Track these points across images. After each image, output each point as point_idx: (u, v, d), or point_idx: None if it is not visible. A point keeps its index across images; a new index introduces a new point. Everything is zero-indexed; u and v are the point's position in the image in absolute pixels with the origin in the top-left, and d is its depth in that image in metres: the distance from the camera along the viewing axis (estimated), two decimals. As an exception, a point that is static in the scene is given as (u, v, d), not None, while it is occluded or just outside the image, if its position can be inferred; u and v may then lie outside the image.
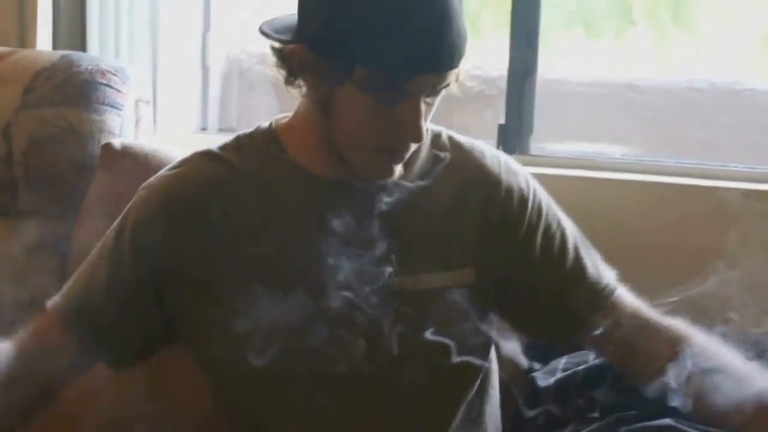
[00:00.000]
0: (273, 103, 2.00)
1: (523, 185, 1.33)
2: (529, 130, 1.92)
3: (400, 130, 1.19)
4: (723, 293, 1.72)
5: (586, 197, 1.74)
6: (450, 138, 1.34)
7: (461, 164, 1.31)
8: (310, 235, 1.24)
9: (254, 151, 1.30)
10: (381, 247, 1.22)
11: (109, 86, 1.79)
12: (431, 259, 1.27)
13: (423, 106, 1.18)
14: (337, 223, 1.21)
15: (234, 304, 1.24)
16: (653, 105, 1.99)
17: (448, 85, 1.20)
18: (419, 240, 1.27)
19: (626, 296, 1.37)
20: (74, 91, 1.77)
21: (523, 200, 1.32)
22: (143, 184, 1.36)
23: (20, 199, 1.78)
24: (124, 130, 1.81)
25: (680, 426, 1.46)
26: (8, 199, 1.78)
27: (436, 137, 1.33)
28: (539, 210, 1.34)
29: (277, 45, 1.22)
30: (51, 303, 1.34)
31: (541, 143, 1.93)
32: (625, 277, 1.72)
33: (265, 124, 1.33)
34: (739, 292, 1.70)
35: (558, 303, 1.32)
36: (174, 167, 1.34)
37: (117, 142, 1.74)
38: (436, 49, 1.15)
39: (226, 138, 1.35)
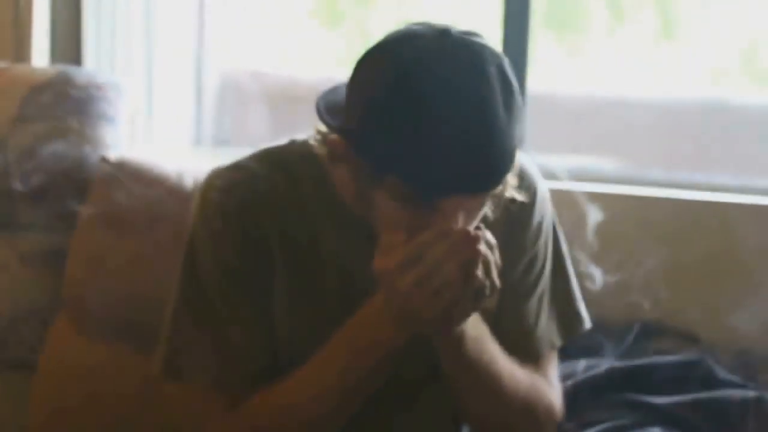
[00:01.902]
0: (266, 118, 2.01)
1: (536, 208, 1.31)
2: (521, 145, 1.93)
3: None
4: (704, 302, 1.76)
5: (573, 209, 1.76)
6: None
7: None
8: (357, 278, 1.21)
9: (291, 171, 1.25)
10: None
11: (105, 100, 1.80)
12: None
13: (461, 219, 1.11)
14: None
15: (288, 315, 1.25)
16: (642, 119, 2.01)
17: (486, 201, 1.13)
18: None
19: (550, 367, 1.34)
20: (70, 105, 1.78)
21: (527, 223, 1.31)
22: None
23: (17, 212, 1.78)
24: (120, 143, 1.81)
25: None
26: (5, 211, 1.78)
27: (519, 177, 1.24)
28: (536, 239, 1.32)
29: (322, 127, 1.17)
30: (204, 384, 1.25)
31: (533, 156, 1.94)
32: (614, 288, 1.74)
33: (300, 137, 1.27)
34: (720, 301, 1.73)
35: (495, 329, 1.27)
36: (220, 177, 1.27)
37: (112, 155, 1.75)
38: (470, 172, 1.07)
39: (253, 150, 1.29)
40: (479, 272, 1.08)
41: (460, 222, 1.11)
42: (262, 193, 1.24)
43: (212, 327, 1.25)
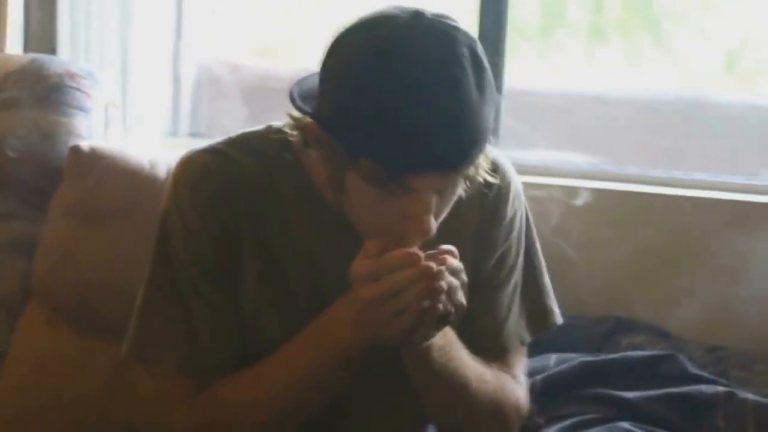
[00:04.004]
0: (242, 109, 2.01)
1: (509, 203, 1.30)
2: (496, 139, 1.93)
3: (406, 224, 1.11)
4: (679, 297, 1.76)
5: (549, 203, 1.76)
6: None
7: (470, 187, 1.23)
8: (331, 269, 1.20)
9: (267, 159, 1.24)
10: None
11: (78, 90, 1.78)
12: None
13: (433, 200, 1.10)
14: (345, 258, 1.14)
15: (256, 305, 1.23)
16: (620, 116, 2.01)
17: (459, 182, 1.12)
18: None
19: (517, 363, 1.33)
20: (43, 93, 1.76)
21: (500, 217, 1.30)
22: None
23: (-12, 200, 1.76)
24: (93, 133, 1.79)
25: (636, 429, 1.48)
26: (-23, 200, 1.76)
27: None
28: (508, 234, 1.31)
29: (295, 113, 1.15)
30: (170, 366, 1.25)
31: (509, 151, 1.94)
32: (592, 281, 1.75)
33: (277, 124, 1.25)
34: (693, 295, 1.73)
35: (464, 322, 1.26)
36: (187, 163, 1.26)
37: (85, 144, 1.71)
38: (442, 150, 1.07)
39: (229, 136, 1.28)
40: (442, 300, 1.08)
41: (433, 205, 1.10)
42: (235, 180, 1.23)
43: (181, 312, 1.23)
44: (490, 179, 1.21)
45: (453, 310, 1.10)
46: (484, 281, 1.28)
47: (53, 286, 1.69)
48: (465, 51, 1.07)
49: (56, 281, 1.69)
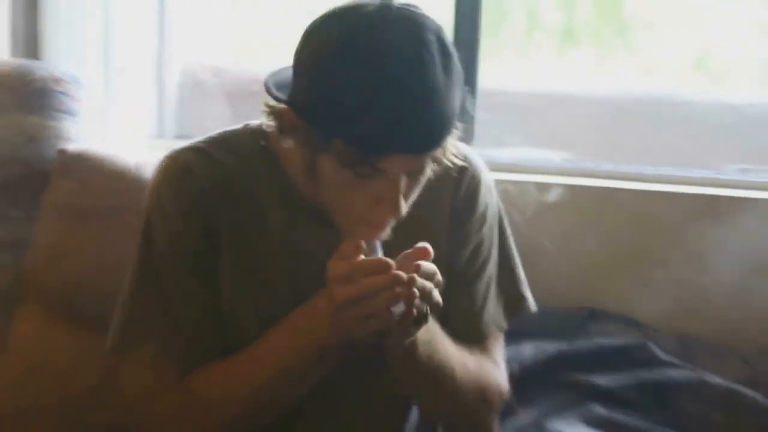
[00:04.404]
0: (226, 111, 2.02)
1: (480, 197, 1.34)
2: (471, 137, 1.95)
3: (377, 205, 1.14)
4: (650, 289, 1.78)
5: (524, 199, 1.79)
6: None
7: (440, 176, 1.26)
8: (305, 261, 1.23)
9: (244, 155, 1.27)
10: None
11: (64, 93, 1.79)
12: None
13: (403, 181, 1.13)
14: (330, 250, 1.16)
15: (233, 295, 1.26)
16: (592, 114, 2.03)
17: (428, 163, 1.14)
18: (401, 247, 1.21)
19: (496, 348, 1.37)
20: (30, 98, 1.77)
21: (472, 209, 1.33)
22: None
23: (-23, 203, 1.76)
24: (79, 136, 1.80)
25: (608, 414, 1.50)
26: (-35, 204, 1.77)
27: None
28: (481, 226, 1.35)
29: (271, 101, 1.18)
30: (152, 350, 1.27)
31: (484, 149, 1.97)
32: (566, 273, 1.76)
33: (254, 123, 1.28)
34: (663, 285, 1.75)
35: (444, 313, 1.27)
36: (170, 162, 1.28)
37: (72, 147, 1.74)
38: (410, 131, 1.09)
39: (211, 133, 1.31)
40: (416, 305, 1.10)
41: (402, 186, 1.13)
42: (214, 175, 1.26)
43: (163, 304, 1.26)
44: (459, 163, 1.24)
45: (428, 310, 1.13)
46: (460, 272, 1.32)
47: (45, 285, 1.71)
48: (432, 37, 1.11)
49: (47, 280, 1.71)
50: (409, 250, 1.13)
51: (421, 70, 1.09)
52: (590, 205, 1.82)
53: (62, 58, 2.02)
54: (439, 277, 1.14)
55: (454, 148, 1.18)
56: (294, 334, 1.20)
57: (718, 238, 1.74)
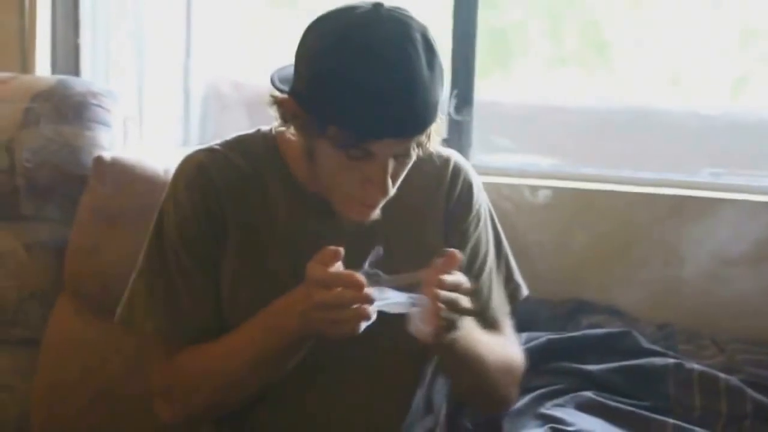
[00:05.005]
0: (245, 121, 2.03)
1: (474, 198, 1.36)
2: (469, 145, 1.96)
3: (368, 185, 1.17)
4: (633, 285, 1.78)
5: (516, 200, 1.79)
6: (438, 155, 1.34)
7: (433, 177, 1.33)
8: (307, 245, 1.23)
9: (255, 156, 1.30)
10: (368, 252, 1.21)
11: (100, 106, 1.80)
12: (409, 258, 1.27)
13: (391, 164, 1.16)
14: (329, 237, 1.19)
15: (233, 283, 1.26)
16: (577, 124, 2.03)
17: (413, 148, 1.17)
18: (399, 244, 1.27)
19: (507, 327, 1.40)
20: (69, 110, 1.78)
21: (468, 210, 1.35)
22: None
23: (22, 206, 1.78)
24: (114, 144, 1.82)
25: (599, 398, 1.50)
26: (12, 206, 1.78)
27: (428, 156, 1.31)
28: (477, 223, 1.36)
29: (276, 93, 1.21)
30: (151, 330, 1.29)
31: (480, 155, 1.97)
32: (555, 268, 1.76)
33: (265, 128, 1.32)
34: (643, 278, 1.75)
35: None
36: (187, 163, 1.31)
37: (107, 155, 1.75)
38: (398, 118, 1.12)
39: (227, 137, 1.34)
40: (443, 315, 1.12)
41: (390, 168, 1.16)
42: (226, 173, 1.28)
43: (165, 286, 1.28)
44: (442, 151, 1.28)
45: (459, 317, 1.15)
46: (466, 268, 1.31)
47: (81, 280, 1.73)
48: (417, 35, 1.14)
49: (83, 275, 1.72)
50: (440, 259, 1.15)
51: (407, 64, 1.12)
52: (576, 205, 1.83)
53: (99, 74, 2.04)
54: (466, 285, 1.16)
55: (438, 138, 1.21)
56: (269, 321, 1.21)
57: (692, 235, 1.74)
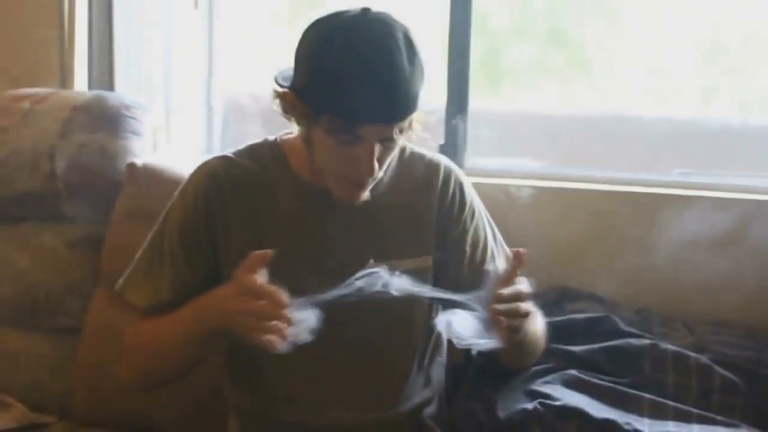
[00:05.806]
0: (261, 130, 2.02)
1: (466, 195, 1.38)
2: (464, 149, 1.95)
3: (357, 166, 1.21)
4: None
5: (506, 199, 1.78)
6: (421, 155, 1.38)
7: (425, 178, 1.35)
8: (307, 230, 1.27)
9: (262, 159, 1.34)
10: (363, 240, 1.26)
11: (133, 118, 1.82)
12: (401, 249, 1.31)
13: (377, 148, 1.20)
14: (327, 223, 1.23)
15: (237, 265, 1.24)
16: (561, 130, 2.03)
17: (396, 132, 1.20)
18: (393, 235, 1.31)
19: None
20: (105, 122, 1.80)
21: (462, 206, 1.37)
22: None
23: (62, 208, 1.79)
24: (144, 152, 1.83)
25: (582, 376, 1.49)
26: (54, 207, 1.79)
27: (410, 155, 1.36)
28: (472, 216, 1.38)
29: (278, 88, 1.26)
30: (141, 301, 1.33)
31: (475, 158, 1.97)
32: (541, 259, 1.74)
33: (272, 137, 1.37)
34: (621, 267, 1.74)
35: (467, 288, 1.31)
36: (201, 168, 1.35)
37: (139, 161, 1.77)
38: (383, 105, 1.16)
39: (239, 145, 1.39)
40: (507, 323, 1.15)
41: (377, 151, 1.20)
42: (234, 175, 1.32)
43: (158, 271, 1.31)
44: (422, 135, 1.29)
45: (521, 320, 1.19)
46: (470, 258, 1.36)
47: (116, 274, 1.68)
48: (400, 35, 1.17)
49: (117, 270, 1.68)
50: (510, 262, 1.19)
51: (389, 59, 1.15)
52: (560, 203, 1.83)
53: (131, 89, 2.04)
54: (525, 292, 1.19)
55: (419, 124, 1.24)
56: (198, 310, 1.24)
57: (665, 228, 1.73)
